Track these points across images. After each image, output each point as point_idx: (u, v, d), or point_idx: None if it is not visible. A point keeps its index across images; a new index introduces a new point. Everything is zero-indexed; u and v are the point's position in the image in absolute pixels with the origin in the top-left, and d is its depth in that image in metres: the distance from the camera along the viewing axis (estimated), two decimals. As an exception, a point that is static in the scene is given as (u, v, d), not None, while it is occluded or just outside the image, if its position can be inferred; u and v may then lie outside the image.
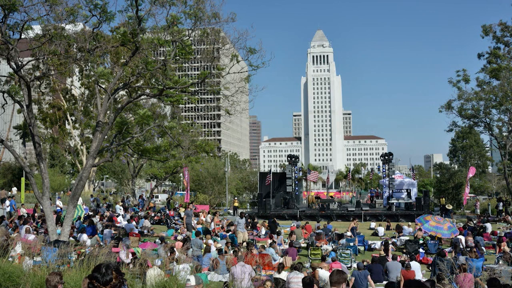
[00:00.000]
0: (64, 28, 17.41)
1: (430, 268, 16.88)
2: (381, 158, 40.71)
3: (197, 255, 17.19)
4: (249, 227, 27.35)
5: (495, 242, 21.53)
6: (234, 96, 20.90)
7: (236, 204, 42.55)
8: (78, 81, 55.17)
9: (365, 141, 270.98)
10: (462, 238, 21.38)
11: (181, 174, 56.57)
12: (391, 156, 38.84)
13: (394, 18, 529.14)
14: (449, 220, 25.05)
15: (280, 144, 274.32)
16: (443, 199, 49.25)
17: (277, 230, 25.32)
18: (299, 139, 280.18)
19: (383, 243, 20.23)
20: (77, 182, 18.42)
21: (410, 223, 29.68)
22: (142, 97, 21.68)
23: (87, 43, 17.89)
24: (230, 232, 24.46)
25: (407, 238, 23.78)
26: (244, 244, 20.06)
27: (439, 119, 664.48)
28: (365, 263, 15.57)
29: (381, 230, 27.24)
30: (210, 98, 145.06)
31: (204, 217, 30.75)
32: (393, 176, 39.17)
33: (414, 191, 40.80)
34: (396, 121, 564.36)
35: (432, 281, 10.95)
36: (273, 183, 39.57)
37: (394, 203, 37.41)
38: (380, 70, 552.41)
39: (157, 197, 62.04)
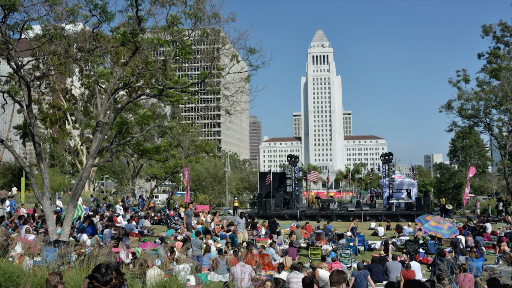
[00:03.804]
0: (64, 28, 17.40)
1: (430, 268, 16.88)
2: (381, 158, 40.71)
3: (197, 255, 17.19)
4: (249, 227, 27.35)
5: (495, 242, 21.54)
6: (234, 96, 20.89)
7: (236, 204, 42.54)
8: (78, 81, 55.15)
9: (365, 141, 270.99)
10: (462, 238, 21.38)
11: (181, 174, 56.59)
12: (391, 156, 38.84)
13: (394, 18, 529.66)
14: (449, 220, 25.05)
15: (280, 144, 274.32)
16: (443, 199, 49.33)
17: (277, 230, 25.31)
18: (299, 139, 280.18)
19: (383, 243, 20.23)
20: (77, 182, 18.42)
21: (410, 223, 29.67)
22: (142, 97, 21.68)
23: (87, 43, 17.89)
24: (230, 232, 24.46)
25: (407, 238, 23.77)
26: (244, 244, 20.05)
27: (439, 119, 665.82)
28: (365, 263, 15.57)
29: (381, 230, 27.24)
30: (210, 98, 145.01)
31: (204, 217, 30.74)
32: (393, 176, 39.17)
33: (414, 191, 40.80)
34: (396, 121, 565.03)
35: (432, 281, 10.95)
36: (273, 183, 39.56)
37: (394, 203, 37.41)
38: (380, 70, 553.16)
39: (157, 197, 62.04)
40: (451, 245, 20.93)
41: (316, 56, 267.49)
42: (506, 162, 40.24)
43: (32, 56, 22.64)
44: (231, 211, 43.40)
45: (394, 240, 23.40)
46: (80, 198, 25.88)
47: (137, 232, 23.11)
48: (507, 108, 40.58)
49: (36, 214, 28.03)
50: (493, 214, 39.14)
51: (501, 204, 37.49)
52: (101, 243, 18.95)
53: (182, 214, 31.25)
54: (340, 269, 7.83)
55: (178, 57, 19.14)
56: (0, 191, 37.13)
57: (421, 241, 22.04)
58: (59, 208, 30.54)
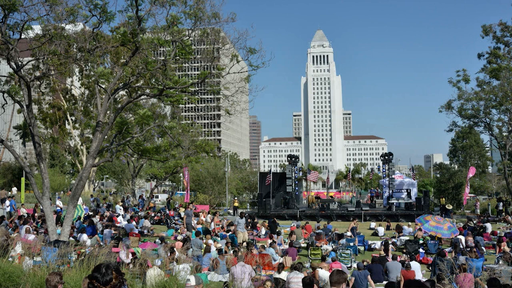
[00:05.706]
0: (64, 28, 17.40)
1: (430, 268, 16.88)
2: (381, 158, 40.71)
3: (197, 255, 17.19)
4: (249, 227, 27.35)
5: (495, 242, 21.54)
6: (234, 96, 20.89)
7: (236, 204, 42.54)
8: (78, 81, 55.19)
9: (365, 141, 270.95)
10: (462, 238, 21.37)
11: (181, 174, 56.58)
12: (391, 156, 38.84)
13: (394, 18, 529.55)
14: (449, 220, 25.05)
15: (280, 144, 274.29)
16: (443, 199, 49.29)
17: (277, 230, 25.32)
18: (299, 139, 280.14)
19: (383, 243, 20.22)
20: (77, 182, 18.42)
21: (410, 223, 29.68)
22: (142, 97, 21.68)
23: (87, 43, 17.89)
24: (230, 232, 24.46)
25: (407, 238, 23.77)
26: (244, 244, 20.05)
27: (439, 119, 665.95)
28: (365, 263, 15.57)
29: (381, 230, 27.24)
30: (210, 98, 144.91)
31: (204, 217, 30.74)
32: (393, 176, 39.17)
33: (414, 191, 40.81)
34: (396, 121, 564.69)
35: (432, 281, 10.94)
36: (273, 183, 39.56)
37: (394, 203, 37.41)
38: (380, 70, 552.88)
39: (157, 197, 62.03)
40: (451, 245, 20.93)
41: (316, 56, 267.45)
42: (506, 162, 40.23)
43: (32, 56, 22.63)
44: (231, 211, 43.39)
45: (394, 240, 23.39)
46: (80, 198, 25.87)
47: (137, 232, 23.10)
48: (507, 108, 40.57)
49: (36, 214, 28.02)
50: (493, 214, 39.13)
51: (501, 204, 37.48)
52: (101, 243, 18.95)
53: (182, 214, 31.25)
54: (340, 269, 7.83)
55: (178, 57, 19.13)
56: (0, 191, 37.13)
57: (421, 241, 22.04)
58: (59, 208, 30.54)
